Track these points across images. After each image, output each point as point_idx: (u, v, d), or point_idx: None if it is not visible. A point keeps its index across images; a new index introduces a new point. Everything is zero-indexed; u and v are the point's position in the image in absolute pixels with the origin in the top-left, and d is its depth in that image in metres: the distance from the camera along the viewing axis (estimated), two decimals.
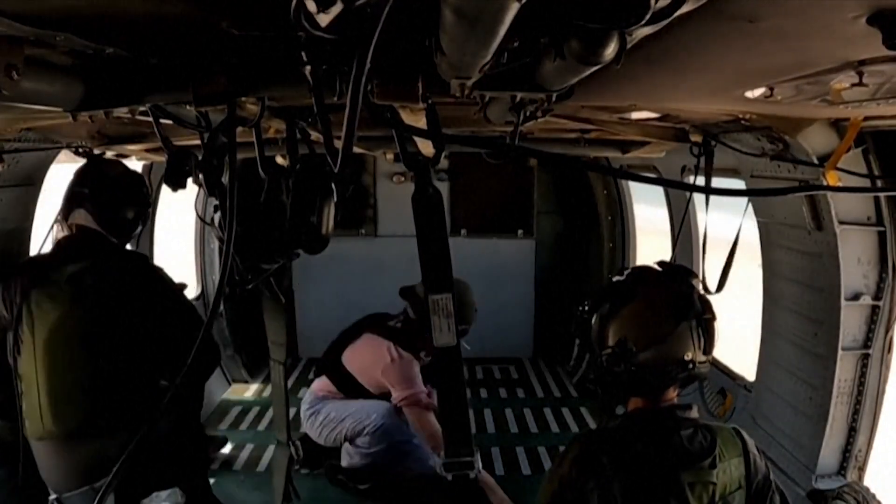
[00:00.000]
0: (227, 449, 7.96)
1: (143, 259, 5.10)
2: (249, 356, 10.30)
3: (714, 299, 3.23)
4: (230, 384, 10.17)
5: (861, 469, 4.94)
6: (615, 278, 3.31)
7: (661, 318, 3.04)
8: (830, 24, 1.84)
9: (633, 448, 3.02)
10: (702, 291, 3.22)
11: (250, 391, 10.06)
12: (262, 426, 8.82)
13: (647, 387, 3.11)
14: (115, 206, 4.66)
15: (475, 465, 3.28)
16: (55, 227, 4.77)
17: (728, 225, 5.13)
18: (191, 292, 9.52)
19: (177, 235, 10.38)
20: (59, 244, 4.65)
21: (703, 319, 3.06)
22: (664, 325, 3.02)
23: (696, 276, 3.28)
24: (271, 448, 7.81)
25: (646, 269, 3.33)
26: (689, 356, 3.01)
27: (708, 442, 3.06)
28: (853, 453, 4.89)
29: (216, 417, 9.15)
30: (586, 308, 3.30)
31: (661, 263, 3.35)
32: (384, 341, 7.01)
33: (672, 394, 3.15)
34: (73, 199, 4.64)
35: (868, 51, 2.06)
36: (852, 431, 4.88)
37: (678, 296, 3.09)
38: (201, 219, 8.84)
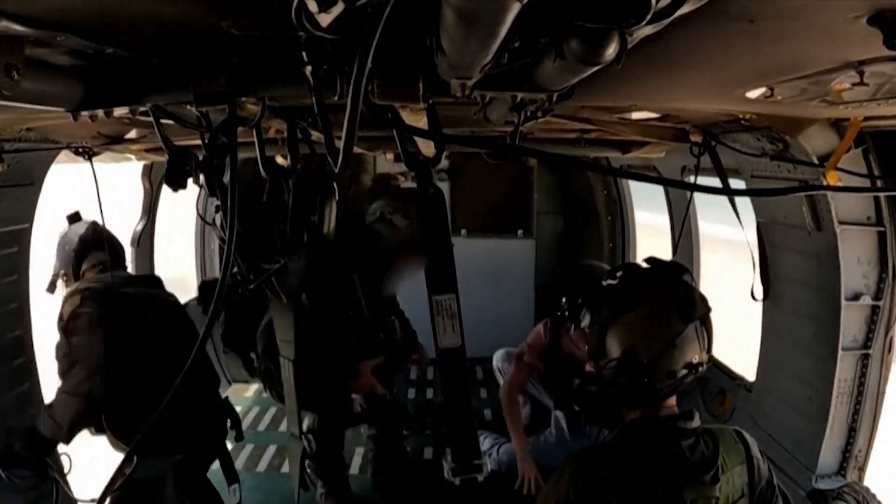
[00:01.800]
0: None
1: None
2: (249, 357, 10.27)
3: (713, 299, 3.15)
4: (230, 384, 10.16)
5: (861, 469, 4.93)
6: (607, 282, 3.18)
7: (668, 322, 2.90)
8: (831, 25, 1.84)
9: (632, 463, 2.90)
10: (693, 285, 3.09)
11: (251, 391, 10.04)
12: (262, 426, 8.82)
13: (653, 396, 2.98)
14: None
15: (483, 468, 3.28)
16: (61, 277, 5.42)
17: (722, 226, 5.13)
18: (191, 293, 9.51)
19: (176, 235, 10.35)
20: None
21: (705, 317, 2.96)
22: (672, 329, 2.89)
23: (688, 270, 3.15)
24: (272, 448, 7.84)
25: (638, 270, 3.20)
26: (696, 358, 2.91)
27: (710, 451, 2.95)
28: (853, 453, 4.89)
29: None
30: (566, 308, 3.18)
31: (649, 260, 3.26)
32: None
33: (672, 401, 3.03)
34: (88, 250, 5.35)
35: (868, 51, 2.07)
36: (852, 432, 4.88)
37: (680, 296, 2.96)
38: (202, 219, 8.86)
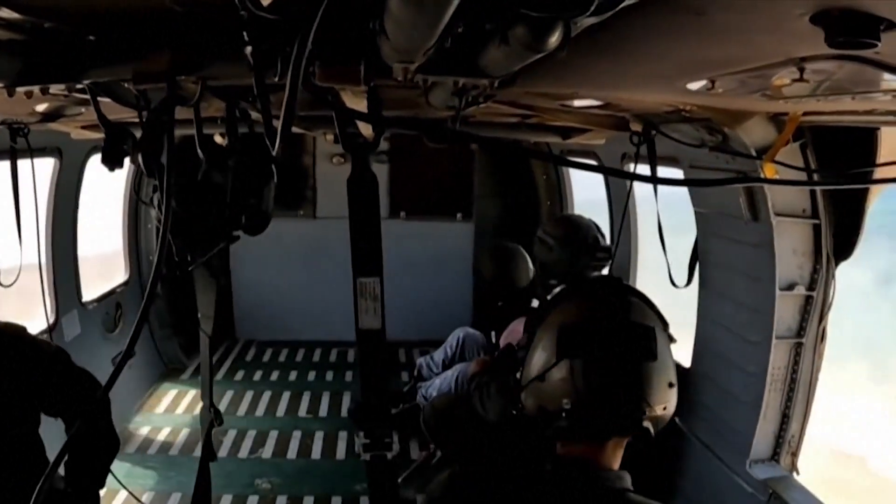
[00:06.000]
0: None
1: None
2: (186, 338, 10.16)
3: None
4: (166, 367, 10.05)
5: (794, 455, 5.04)
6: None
7: (546, 351, 2.37)
8: (776, 21, 1.85)
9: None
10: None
11: (186, 374, 9.95)
12: (198, 410, 8.75)
13: (533, 430, 2.44)
14: None
15: (392, 446, 3.33)
16: None
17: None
18: (119, 276, 9.30)
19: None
20: None
21: (589, 356, 2.30)
22: (546, 361, 2.36)
23: (632, 292, 2.59)
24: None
25: (572, 287, 2.73)
26: (565, 403, 2.29)
27: None
28: (786, 439, 4.99)
29: (153, 402, 9.07)
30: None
31: (598, 280, 2.91)
32: None
33: (601, 448, 2.37)
34: None
35: (811, 48, 2.08)
36: (785, 418, 4.98)
37: (569, 326, 2.36)
38: (139, 198, 8.71)
